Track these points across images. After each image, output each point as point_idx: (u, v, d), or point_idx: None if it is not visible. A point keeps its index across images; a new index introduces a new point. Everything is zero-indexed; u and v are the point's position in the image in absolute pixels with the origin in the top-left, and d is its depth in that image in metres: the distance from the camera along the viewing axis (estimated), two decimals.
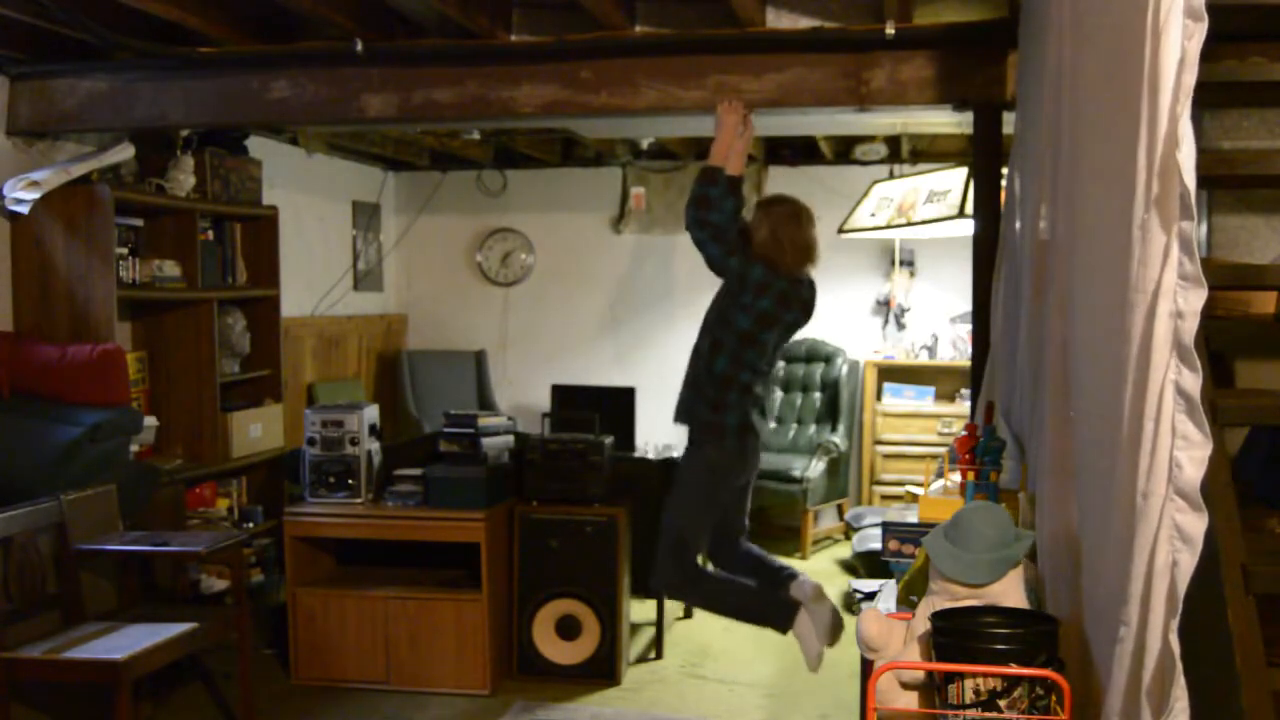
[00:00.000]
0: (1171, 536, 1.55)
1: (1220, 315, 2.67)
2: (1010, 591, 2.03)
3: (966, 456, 2.86)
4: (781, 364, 7.41)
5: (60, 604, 3.87)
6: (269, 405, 5.53)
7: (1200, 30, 1.48)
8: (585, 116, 4.53)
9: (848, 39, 4.07)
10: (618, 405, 6.19)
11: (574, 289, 7.90)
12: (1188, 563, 1.54)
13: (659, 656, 4.98)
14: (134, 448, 4.67)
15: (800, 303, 3.93)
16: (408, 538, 4.65)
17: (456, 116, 4.54)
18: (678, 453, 4.49)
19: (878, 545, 3.94)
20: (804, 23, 4.11)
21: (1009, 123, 3.81)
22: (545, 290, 7.95)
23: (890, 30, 3.97)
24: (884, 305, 7.45)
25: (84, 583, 3.94)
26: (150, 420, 4.94)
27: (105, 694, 3.45)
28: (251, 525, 5.29)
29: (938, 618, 1.97)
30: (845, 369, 7.23)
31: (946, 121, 5.52)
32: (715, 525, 4.00)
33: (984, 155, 4.13)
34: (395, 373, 7.53)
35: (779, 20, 4.13)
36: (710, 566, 4.18)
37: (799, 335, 3.97)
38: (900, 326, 7.38)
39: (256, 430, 5.34)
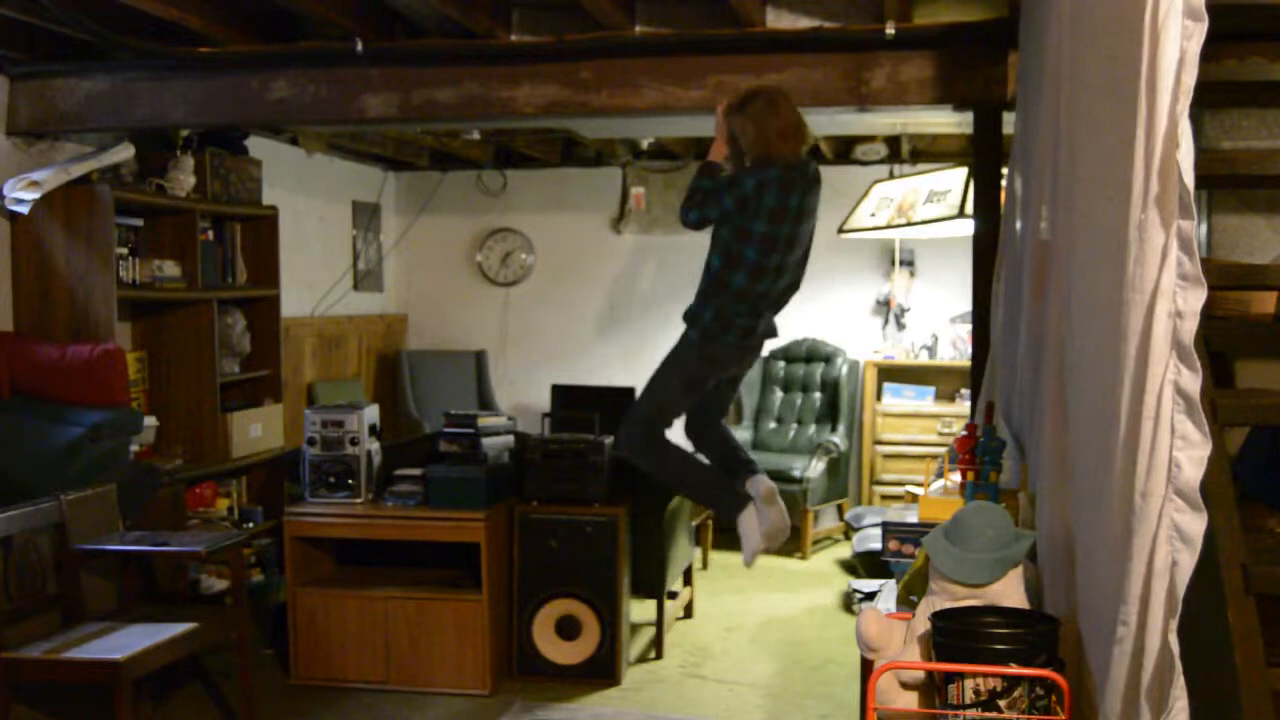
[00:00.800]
0: (1171, 536, 1.55)
1: (1220, 315, 2.67)
2: (1010, 591, 2.03)
3: (966, 456, 2.86)
4: (781, 364, 7.42)
5: (60, 604, 3.88)
6: (269, 405, 5.53)
7: (1200, 30, 1.48)
8: (585, 116, 4.53)
9: (848, 39, 4.07)
10: (618, 405, 6.16)
11: (574, 289, 7.90)
12: (1187, 563, 1.54)
13: (659, 656, 4.98)
14: (134, 448, 4.67)
15: (805, 182, 3.78)
16: (408, 538, 4.64)
17: (456, 116, 4.54)
18: None
19: (878, 545, 3.95)
20: (804, 23, 4.11)
21: (1009, 123, 3.81)
22: (545, 290, 7.95)
23: (890, 30, 3.97)
24: (884, 305, 7.45)
25: (84, 583, 3.94)
26: (150, 420, 4.94)
27: (105, 694, 3.45)
28: (251, 525, 5.29)
29: (938, 618, 1.97)
30: (845, 369, 7.23)
31: (946, 121, 5.52)
32: (697, 405, 4.02)
33: (984, 155, 4.13)
34: (395, 373, 7.53)
35: (779, 20, 4.14)
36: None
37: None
38: (900, 326, 7.38)
39: (256, 430, 5.35)
